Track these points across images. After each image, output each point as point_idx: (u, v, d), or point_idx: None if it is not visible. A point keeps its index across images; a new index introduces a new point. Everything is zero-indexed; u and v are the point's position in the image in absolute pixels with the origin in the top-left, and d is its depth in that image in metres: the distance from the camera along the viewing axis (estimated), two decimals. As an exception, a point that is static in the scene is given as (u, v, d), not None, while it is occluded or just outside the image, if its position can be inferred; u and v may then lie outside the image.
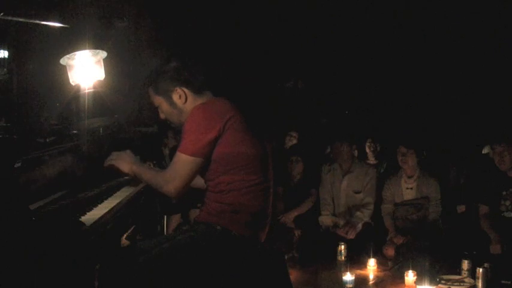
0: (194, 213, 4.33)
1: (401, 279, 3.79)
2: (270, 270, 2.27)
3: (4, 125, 2.54)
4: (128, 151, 2.45)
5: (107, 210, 2.26)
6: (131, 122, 5.28)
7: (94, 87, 2.87)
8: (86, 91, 2.85)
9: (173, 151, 2.22)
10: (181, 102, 2.27)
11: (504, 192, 4.11)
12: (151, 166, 4.50)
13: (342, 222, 4.82)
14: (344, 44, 6.60)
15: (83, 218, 2.09)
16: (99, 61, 2.80)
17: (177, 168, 2.15)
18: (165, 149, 5.44)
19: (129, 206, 2.53)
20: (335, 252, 4.47)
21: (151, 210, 3.72)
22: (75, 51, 2.69)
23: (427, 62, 6.28)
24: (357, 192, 4.89)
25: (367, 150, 5.47)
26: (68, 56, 2.68)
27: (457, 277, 3.73)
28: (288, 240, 4.58)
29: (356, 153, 5.05)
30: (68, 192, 2.38)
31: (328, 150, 5.48)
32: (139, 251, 2.11)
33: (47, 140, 2.58)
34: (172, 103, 2.28)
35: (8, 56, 3.17)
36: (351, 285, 3.71)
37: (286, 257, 3.90)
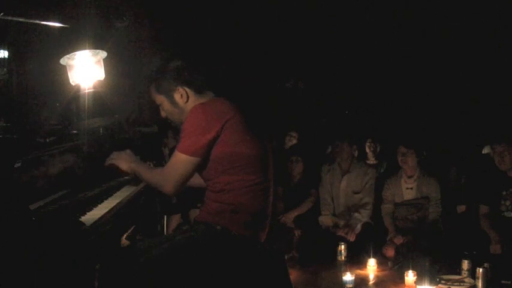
0: (194, 213, 4.34)
1: (401, 279, 3.79)
2: (270, 270, 2.27)
3: (4, 125, 2.54)
4: (128, 151, 2.47)
5: (107, 210, 2.27)
6: (131, 122, 5.28)
7: (94, 87, 2.87)
8: (86, 91, 2.85)
9: (173, 151, 2.22)
10: (182, 101, 2.27)
11: (504, 192, 4.11)
12: (151, 166, 4.51)
13: (342, 222, 4.82)
14: (344, 44, 6.59)
15: (83, 218, 2.10)
16: (99, 61, 2.80)
17: (175, 168, 2.16)
18: (165, 149, 5.44)
19: (129, 206, 2.53)
20: (335, 252, 4.47)
21: (151, 210, 3.73)
22: (75, 51, 2.69)
23: (427, 62, 6.28)
24: (356, 193, 4.89)
25: (367, 150, 5.47)
26: (68, 56, 2.68)
27: (457, 277, 3.73)
28: (288, 240, 4.58)
29: (356, 153, 5.05)
30: (68, 192, 2.39)
31: (329, 150, 5.48)
32: (139, 251, 2.12)
33: (47, 140, 2.59)
34: (173, 102, 2.29)
35: (8, 56, 3.17)
36: (350, 285, 3.71)
37: (286, 257, 3.91)
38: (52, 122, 3.01)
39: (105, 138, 3.29)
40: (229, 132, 2.12)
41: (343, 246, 4.47)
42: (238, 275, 2.15)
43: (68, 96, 2.95)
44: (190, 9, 5.74)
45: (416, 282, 3.67)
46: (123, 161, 2.43)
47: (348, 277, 3.71)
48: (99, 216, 2.14)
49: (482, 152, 4.95)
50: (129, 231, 3.19)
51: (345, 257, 4.44)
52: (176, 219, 4.73)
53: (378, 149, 5.49)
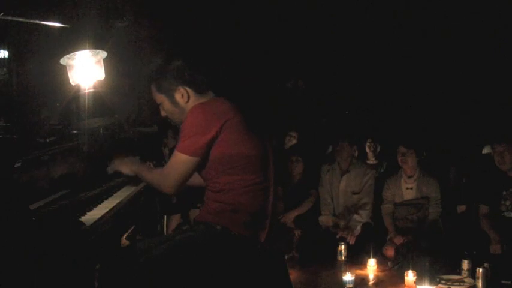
0: (194, 213, 4.34)
1: (401, 279, 3.79)
2: (270, 270, 2.27)
3: (4, 125, 2.54)
4: (128, 158, 2.51)
5: (107, 210, 2.27)
6: (131, 122, 5.28)
7: (94, 87, 2.87)
8: (86, 91, 2.85)
9: (173, 151, 2.22)
10: (183, 101, 2.27)
11: (504, 192, 4.11)
12: (151, 166, 4.51)
13: (342, 222, 4.82)
14: (344, 44, 6.59)
15: (83, 218, 2.10)
16: (99, 61, 2.80)
17: (175, 167, 2.17)
18: (165, 149, 5.44)
19: (129, 206, 2.53)
20: (335, 252, 4.48)
21: (151, 210, 3.73)
22: (75, 51, 2.69)
23: (427, 62, 6.27)
24: (355, 193, 4.89)
25: (367, 150, 5.47)
26: (68, 56, 2.68)
27: (457, 277, 3.73)
28: (288, 240, 4.58)
29: (356, 153, 5.05)
30: (68, 192, 2.39)
31: (329, 149, 5.48)
32: (139, 251, 2.12)
33: (47, 140, 2.59)
34: (174, 102, 2.29)
35: (8, 56, 3.17)
36: (350, 285, 3.71)
37: (286, 257, 3.91)
38: (52, 122, 3.01)
39: (105, 138, 3.29)
40: (229, 132, 2.13)
41: (343, 246, 4.47)
42: (238, 275, 2.15)
43: (68, 96, 2.95)
44: (190, 9, 5.74)
45: (416, 282, 3.67)
46: (125, 166, 2.50)
47: (348, 277, 3.71)
48: (99, 216, 2.14)
49: (482, 152, 4.95)
50: (129, 231, 3.19)
51: (345, 257, 4.44)
52: (176, 219, 4.73)
53: (378, 149, 5.49)
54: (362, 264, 4.24)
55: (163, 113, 2.37)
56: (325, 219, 4.93)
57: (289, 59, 6.74)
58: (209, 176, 2.20)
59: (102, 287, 2.12)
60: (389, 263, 4.28)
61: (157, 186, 2.27)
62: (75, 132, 2.94)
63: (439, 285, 3.65)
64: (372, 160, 5.45)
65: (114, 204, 2.41)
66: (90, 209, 2.27)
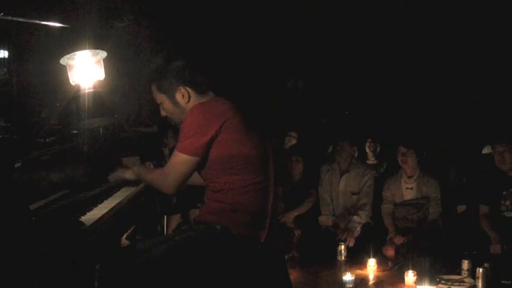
0: (194, 213, 4.33)
1: (401, 279, 3.79)
2: (270, 270, 2.27)
3: (4, 125, 2.54)
4: (128, 159, 2.56)
5: (107, 210, 2.27)
6: (131, 122, 5.28)
7: (94, 87, 2.87)
8: (86, 91, 2.85)
9: (173, 151, 2.23)
10: (184, 101, 2.28)
11: (504, 192, 4.11)
12: (151, 166, 4.52)
13: (342, 223, 4.81)
14: (344, 44, 6.59)
15: (83, 218, 2.10)
16: (99, 61, 2.80)
17: (175, 167, 2.17)
18: (165, 149, 5.44)
19: (129, 206, 2.53)
20: (335, 252, 4.48)
21: (151, 210, 3.73)
22: (75, 51, 2.69)
23: (427, 62, 6.27)
24: (354, 193, 4.90)
25: (367, 150, 5.48)
26: (68, 56, 2.68)
27: (457, 277, 3.73)
28: (288, 240, 4.58)
29: (356, 154, 5.05)
30: (68, 192, 2.39)
31: (330, 149, 5.48)
32: (139, 251, 2.12)
33: (47, 140, 2.58)
34: (175, 102, 2.29)
35: (8, 56, 3.17)
36: (350, 285, 3.71)
37: (286, 257, 3.91)
38: (52, 122, 3.01)
39: (105, 138, 3.29)
40: (229, 132, 2.13)
41: (343, 246, 4.47)
42: (238, 274, 2.15)
43: (68, 96, 2.95)
44: (190, 9, 5.73)
45: (416, 282, 3.67)
46: (126, 172, 2.59)
47: (348, 277, 3.71)
48: (99, 216, 2.14)
49: (483, 152, 4.95)
50: (129, 231, 3.19)
51: (345, 257, 4.45)
52: (176, 219, 4.73)
53: (378, 149, 5.49)
54: (362, 264, 4.24)
55: (163, 113, 2.37)
56: (325, 219, 4.94)
57: (289, 59, 6.74)
58: (209, 175, 2.20)
59: (102, 287, 2.12)
60: (389, 263, 4.28)
61: (157, 187, 2.28)
62: (75, 132, 2.94)
63: (439, 285, 3.65)
64: (372, 160, 5.45)
65: (114, 204, 2.40)
66: (90, 209, 2.27)
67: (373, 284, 3.98)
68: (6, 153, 2.09)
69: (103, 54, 2.79)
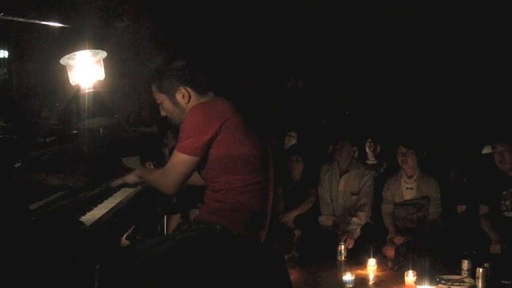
0: (194, 213, 4.33)
1: (401, 279, 3.79)
2: (270, 270, 2.27)
3: (4, 125, 2.54)
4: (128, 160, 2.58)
5: (107, 210, 2.27)
6: (131, 122, 5.28)
7: (94, 87, 2.87)
8: (86, 91, 2.85)
9: (173, 151, 2.23)
10: (184, 101, 2.28)
11: (504, 192, 4.11)
12: (151, 166, 4.51)
13: (342, 223, 4.81)
14: (344, 44, 6.59)
15: (83, 218, 2.09)
16: (99, 61, 2.80)
17: (175, 167, 2.18)
18: (165, 149, 5.43)
19: (129, 206, 2.53)
20: (335, 252, 4.48)
21: (151, 210, 3.72)
22: (75, 51, 2.69)
23: (427, 62, 6.27)
24: (354, 194, 4.89)
25: (367, 150, 5.48)
26: (68, 56, 2.68)
27: (457, 277, 3.73)
28: (288, 240, 4.58)
29: (356, 154, 5.05)
30: (68, 192, 2.39)
31: (330, 149, 5.48)
32: (139, 251, 2.12)
33: (47, 140, 2.59)
34: (175, 102, 2.29)
35: (8, 56, 3.17)
36: (351, 285, 3.71)
37: (286, 257, 3.91)
38: (52, 122, 3.01)
39: (105, 138, 3.29)
40: (228, 132, 2.13)
41: (343, 246, 4.47)
42: (238, 274, 2.15)
43: (68, 96, 2.95)
44: (190, 9, 5.73)
45: (416, 282, 3.67)
46: (128, 176, 2.59)
47: (348, 277, 3.71)
48: (99, 216, 2.14)
49: (483, 152, 4.95)
50: (129, 231, 3.19)
51: (345, 257, 4.45)
52: (176, 219, 4.72)
53: (378, 149, 5.49)
54: (362, 264, 4.24)
55: (163, 113, 2.37)
56: (325, 219, 4.93)
57: (289, 59, 6.74)
58: (209, 175, 2.21)
59: (102, 287, 2.11)
60: (389, 263, 4.29)
61: (158, 187, 2.28)
62: (75, 132, 2.94)
63: (439, 285, 3.65)
64: (372, 160, 5.45)
65: (114, 204, 2.40)
66: (90, 209, 2.26)
67: (373, 284, 3.98)
68: (6, 153, 2.09)
69: (103, 54, 2.79)
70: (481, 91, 5.92)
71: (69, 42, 2.81)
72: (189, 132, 2.13)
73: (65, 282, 1.77)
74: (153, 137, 5.45)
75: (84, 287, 2.03)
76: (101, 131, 3.27)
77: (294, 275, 3.89)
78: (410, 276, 3.70)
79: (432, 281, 3.65)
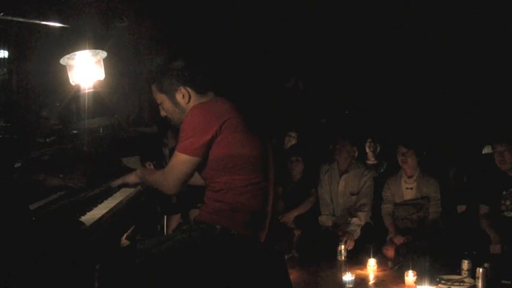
0: (194, 213, 4.33)
1: (401, 279, 3.79)
2: (270, 270, 2.27)
3: (4, 125, 2.54)
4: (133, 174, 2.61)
5: (107, 210, 2.27)
6: (131, 122, 5.28)
7: (94, 87, 2.87)
8: (86, 91, 2.85)
9: (173, 151, 2.23)
10: (184, 102, 2.28)
11: (504, 192, 4.10)
12: (151, 166, 4.51)
13: (342, 224, 4.81)
14: (344, 44, 6.59)
15: (83, 218, 2.10)
16: (99, 61, 2.80)
17: (176, 168, 2.18)
18: (165, 149, 5.44)
19: (129, 206, 2.54)
20: (335, 252, 4.48)
21: (151, 210, 3.72)
22: (75, 51, 2.69)
23: (427, 62, 6.28)
24: (353, 194, 4.89)
25: (367, 150, 5.47)
26: (68, 56, 2.68)
27: (457, 277, 3.73)
28: (288, 240, 4.58)
29: (356, 154, 5.04)
30: (68, 192, 2.39)
31: (330, 148, 5.48)
32: (139, 251, 2.12)
33: (47, 140, 2.59)
34: (175, 102, 2.29)
35: (8, 56, 3.17)
36: (351, 285, 3.71)
37: (286, 257, 3.91)
38: (52, 122, 3.01)
39: (105, 138, 3.29)
40: (228, 132, 2.13)
41: (343, 246, 4.47)
42: (238, 274, 2.15)
43: (68, 96, 2.95)
44: (190, 9, 5.74)
45: (416, 282, 3.67)
46: (129, 177, 2.59)
47: (348, 277, 3.71)
48: (99, 216, 2.14)
49: (483, 152, 4.95)
50: (129, 231, 3.19)
51: (345, 257, 4.45)
52: (176, 219, 4.72)
53: (378, 149, 5.49)
54: (362, 264, 4.24)
55: (163, 113, 2.37)
56: (325, 219, 4.93)
57: (289, 59, 6.74)
58: (209, 175, 2.21)
59: (102, 287, 2.11)
60: (389, 263, 4.28)
61: (159, 187, 2.29)
62: (75, 132, 2.95)
63: (439, 285, 3.65)
64: (372, 160, 5.45)
65: (114, 204, 2.41)
66: (90, 209, 2.27)
67: (373, 284, 3.98)
68: (6, 153, 2.09)
69: (103, 54, 2.79)
70: (481, 91, 5.93)
71: (69, 42, 2.81)
72: (189, 132, 2.13)
73: (65, 282, 1.77)
74: (153, 137, 5.46)
75: (84, 287, 2.03)
76: (101, 131, 3.27)
77: (294, 275, 3.89)
78: (410, 276, 3.70)
79: (432, 281, 3.65)
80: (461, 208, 4.66)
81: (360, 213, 4.76)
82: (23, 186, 2.06)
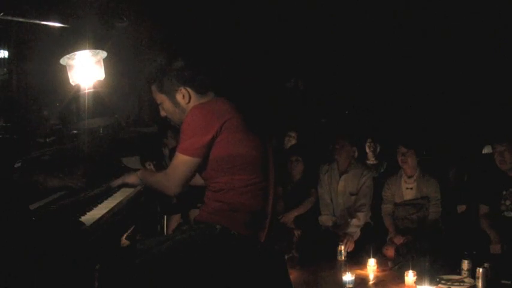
0: (194, 213, 4.33)
1: (401, 279, 3.79)
2: (270, 270, 2.27)
3: (4, 125, 2.54)
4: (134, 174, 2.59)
5: (107, 210, 2.27)
6: (131, 122, 5.28)
7: (94, 87, 2.87)
8: (86, 91, 2.85)
9: (173, 151, 2.23)
10: (184, 102, 2.28)
11: (504, 192, 4.10)
12: (151, 166, 4.51)
13: (341, 225, 4.81)
14: (344, 44, 6.60)
15: (83, 218, 2.10)
16: (99, 61, 2.80)
17: (177, 169, 2.18)
18: (165, 149, 5.44)
19: (129, 206, 2.53)
20: (335, 252, 4.48)
21: (151, 210, 3.72)
22: (75, 51, 2.69)
23: (427, 62, 6.28)
24: (353, 194, 4.89)
25: (367, 150, 5.47)
26: (68, 56, 2.68)
27: (457, 277, 3.73)
28: (288, 240, 4.58)
29: (356, 154, 5.04)
30: (68, 193, 2.39)
31: (330, 148, 5.48)
32: (139, 251, 2.12)
33: (47, 140, 2.59)
34: (175, 102, 2.29)
35: (8, 56, 3.17)
36: (351, 285, 3.71)
37: (286, 257, 3.91)
38: (52, 122, 3.01)
39: (105, 138, 3.29)
40: (229, 132, 2.13)
41: (343, 246, 4.47)
42: (238, 274, 2.15)
43: (68, 96, 2.95)
44: (190, 9, 5.74)
45: (416, 282, 3.67)
46: (129, 177, 2.58)
47: (348, 277, 3.71)
48: (99, 216, 2.14)
49: (483, 152, 4.95)
50: (129, 231, 3.19)
51: (345, 257, 4.45)
52: (176, 219, 4.72)
53: (378, 149, 5.49)
54: (362, 264, 4.24)
55: (163, 113, 2.37)
56: (325, 219, 4.93)
57: (289, 59, 6.74)
58: (209, 175, 2.21)
59: (102, 287, 2.11)
60: (389, 263, 4.28)
61: (160, 189, 2.29)
62: (75, 132, 2.94)
63: (439, 285, 3.65)
64: (371, 160, 5.45)
65: (114, 204, 2.41)
66: (90, 209, 2.27)
67: (373, 284, 3.98)
68: (6, 153, 2.09)
69: (103, 54, 2.79)
70: (481, 91, 5.93)
71: (69, 42, 2.81)
72: (190, 133, 2.13)
73: (65, 282, 1.77)
74: (153, 137, 5.46)
75: (84, 287, 2.03)
76: (101, 131, 3.27)
77: (294, 275, 3.89)
78: (410, 276, 3.70)
79: (432, 281, 3.65)
80: (461, 208, 4.66)
81: (358, 214, 4.75)
82: (23, 186, 2.06)
